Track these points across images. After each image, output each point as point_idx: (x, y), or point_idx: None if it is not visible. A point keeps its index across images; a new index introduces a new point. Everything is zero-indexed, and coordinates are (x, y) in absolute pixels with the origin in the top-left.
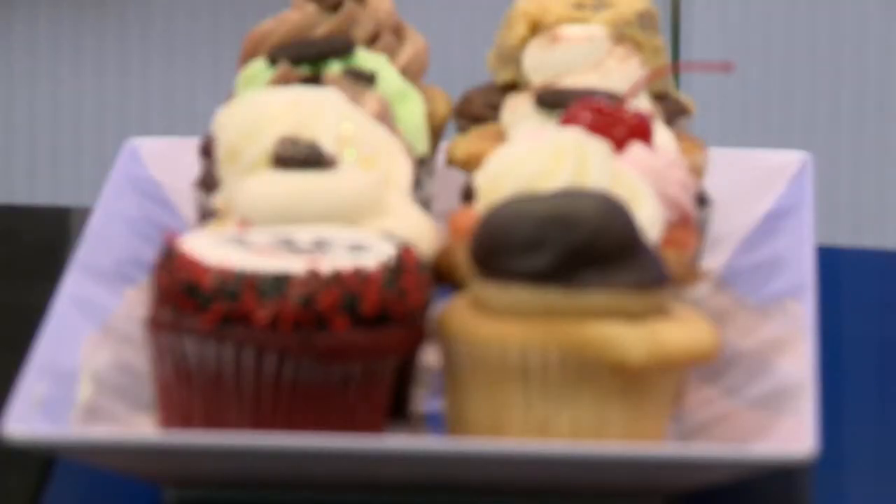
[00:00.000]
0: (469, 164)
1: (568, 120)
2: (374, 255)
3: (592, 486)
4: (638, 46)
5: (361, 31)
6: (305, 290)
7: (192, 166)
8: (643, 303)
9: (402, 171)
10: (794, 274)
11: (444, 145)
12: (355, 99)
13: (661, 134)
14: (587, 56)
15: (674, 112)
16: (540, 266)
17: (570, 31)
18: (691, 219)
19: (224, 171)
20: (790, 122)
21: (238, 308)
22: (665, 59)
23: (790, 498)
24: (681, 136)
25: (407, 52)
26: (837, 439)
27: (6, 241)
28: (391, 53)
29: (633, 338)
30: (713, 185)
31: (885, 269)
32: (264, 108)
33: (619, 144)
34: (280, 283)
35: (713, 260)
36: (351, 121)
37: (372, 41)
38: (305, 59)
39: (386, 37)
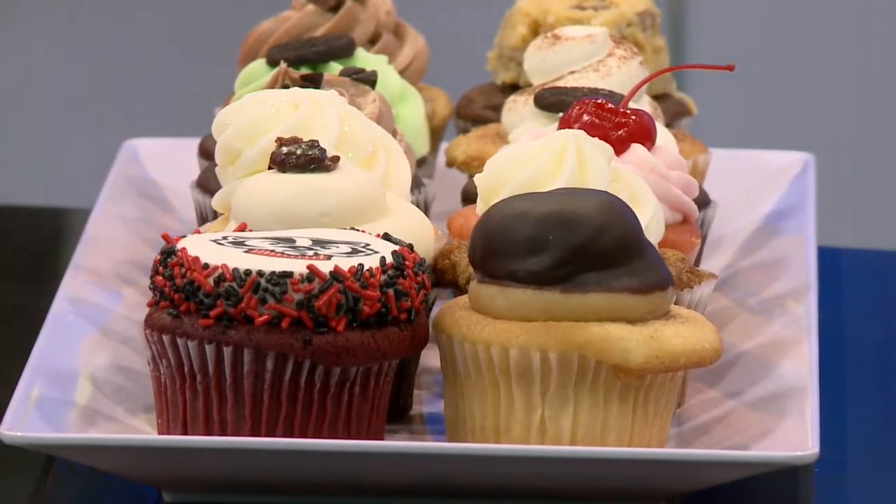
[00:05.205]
0: (469, 165)
1: (568, 120)
2: (374, 255)
3: (593, 489)
4: (639, 46)
5: (361, 31)
6: (305, 290)
7: (190, 167)
8: (644, 305)
9: (402, 172)
10: (795, 275)
11: (444, 145)
12: (355, 99)
13: (663, 134)
14: (587, 56)
15: (675, 112)
16: (540, 268)
17: (570, 31)
18: (692, 220)
19: (223, 172)
20: (792, 122)
21: (238, 309)
22: (666, 59)
23: (792, 499)
24: (682, 137)
25: (407, 52)
26: (838, 440)
27: (3, 243)
28: (391, 53)
29: (634, 340)
30: (714, 185)
31: (886, 269)
32: (264, 109)
33: (620, 145)
34: (280, 283)
35: (714, 261)
36: (351, 122)
37: (372, 41)
38: (305, 59)
39: (386, 37)
